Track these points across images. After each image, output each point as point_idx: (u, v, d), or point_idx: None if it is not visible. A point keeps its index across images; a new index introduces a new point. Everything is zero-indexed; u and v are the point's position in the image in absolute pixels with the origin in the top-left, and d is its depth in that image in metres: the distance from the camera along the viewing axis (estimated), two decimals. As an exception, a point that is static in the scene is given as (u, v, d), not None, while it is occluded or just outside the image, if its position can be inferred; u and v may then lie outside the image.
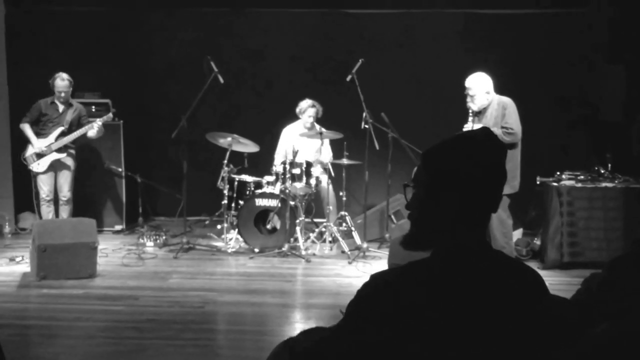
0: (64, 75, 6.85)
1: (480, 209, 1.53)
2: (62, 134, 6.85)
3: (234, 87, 7.67)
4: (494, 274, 1.47)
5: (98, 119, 6.92)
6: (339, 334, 1.50)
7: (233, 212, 7.01)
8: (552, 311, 1.52)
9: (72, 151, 7.02)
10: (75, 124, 6.95)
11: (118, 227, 7.83)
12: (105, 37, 8.16)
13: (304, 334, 1.88)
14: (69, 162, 6.97)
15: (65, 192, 6.98)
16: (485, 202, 1.54)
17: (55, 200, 7.02)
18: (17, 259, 6.26)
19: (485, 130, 1.58)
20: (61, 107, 6.91)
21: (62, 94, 6.84)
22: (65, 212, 6.99)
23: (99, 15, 8.15)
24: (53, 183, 6.96)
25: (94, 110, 7.71)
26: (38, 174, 6.88)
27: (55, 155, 6.85)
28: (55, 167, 6.93)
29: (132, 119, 7.92)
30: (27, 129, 6.84)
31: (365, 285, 1.50)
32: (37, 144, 6.80)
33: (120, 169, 7.73)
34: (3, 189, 7.62)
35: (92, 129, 6.85)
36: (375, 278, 1.52)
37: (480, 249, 1.51)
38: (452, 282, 1.43)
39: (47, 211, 6.95)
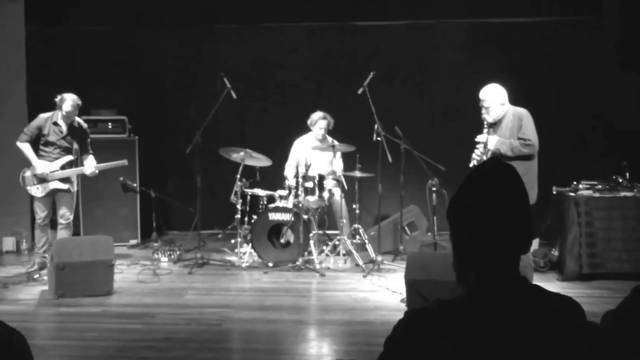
0: (74, 98, 6.31)
1: (504, 244, 1.52)
2: (69, 164, 6.40)
3: (246, 102, 7.71)
4: (530, 312, 1.48)
5: (110, 162, 6.64)
6: None
7: (246, 226, 7.02)
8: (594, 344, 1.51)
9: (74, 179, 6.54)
10: (82, 145, 6.56)
11: (133, 242, 7.88)
12: (121, 55, 8.25)
13: None
14: (71, 186, 6.47)
15: (67, 215, 6.43)
16: (505, 238, 1.52)
17: (54, 224, 6.54)
18: (35, 277, 6.30)
19: (494, 163, 1.58)
20: (65, 129, 6.38)
21: (69, 117, 6.34)
22: (65, 236, 6.38)
23: (115, 34, 8.26)
24: (50, 207, 6.45)
25: (110, 127, 7.78)
26: (35, 197, 6.40)
27: (57, 184, 6.35)
28: (55, 191, 6.41)
29: (147, 135, 8.00)
30: (26, 149, 6.29)
31: (402, 323, 1.53)
32: (40, 167, 6.26)
33: (135, 184, 7.76)
34: (20, 206, 7.62)
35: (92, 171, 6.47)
36: (411, 316, 1.54)
37: (515, 286, 1.52)
38: (487, 322, 1.46)
39: (40, 236, 6.49)
